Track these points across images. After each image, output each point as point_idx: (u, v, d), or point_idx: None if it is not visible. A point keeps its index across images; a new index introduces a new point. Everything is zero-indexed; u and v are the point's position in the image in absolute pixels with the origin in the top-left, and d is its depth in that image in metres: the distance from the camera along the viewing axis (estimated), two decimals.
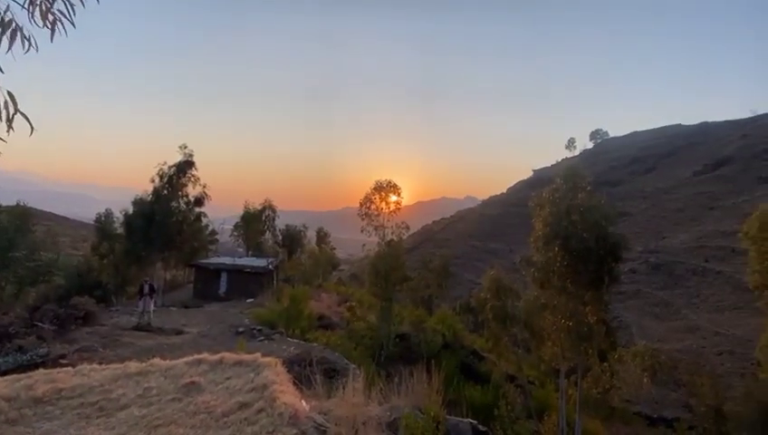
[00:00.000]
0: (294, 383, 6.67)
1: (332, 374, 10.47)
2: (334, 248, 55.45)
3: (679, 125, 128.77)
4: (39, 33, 1.87)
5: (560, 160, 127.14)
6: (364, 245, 21.26)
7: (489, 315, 15.59)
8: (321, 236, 52.17)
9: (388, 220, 20.41)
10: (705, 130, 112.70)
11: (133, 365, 6.23)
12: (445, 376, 14.81)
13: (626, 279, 49.72)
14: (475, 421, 5.64)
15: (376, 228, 20.68)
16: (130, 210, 27.86)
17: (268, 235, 43.43)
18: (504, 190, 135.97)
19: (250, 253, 40.12)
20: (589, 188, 14.98)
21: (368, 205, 20.58)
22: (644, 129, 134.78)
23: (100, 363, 6.90)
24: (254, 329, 15.66)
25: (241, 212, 42.86)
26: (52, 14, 1.83)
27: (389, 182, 20.17)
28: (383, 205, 20.48)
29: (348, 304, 25.60)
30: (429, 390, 5.88)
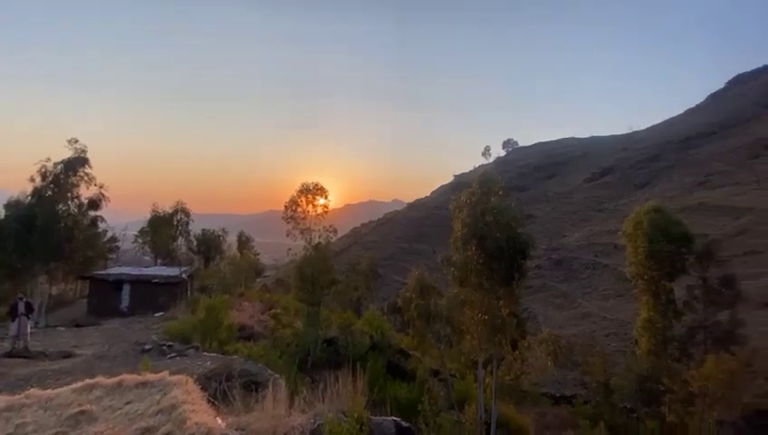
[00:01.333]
0: (209, 401, 6.17)
1: (254, 387, 9.92)
2: (258, 254, 52.78)
3: (573, 138, 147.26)
4: None
5: (477, 166, 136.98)
6: (290, 249, 20.56)
7: (414, 314, 16.17)
8: (243, 241, 49.29)
9: (315, 223, 20.04)
10: (594, 142, 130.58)
11: (2, 399, 5.20)
12: (372, 377, 14.97)
13: (533, 274, 55.10)
14: (398, 419, 5.75)
15: (302, 232, 20.17)
16: (2, 214, 23.44)
17: (181, 241, 39.73)
18: (428, 194, 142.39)
19: (159, 261, 36.32)
20: (501, 192, 16.37)
21: (293, 208, 19.97)
22: (546, 140, 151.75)
23: None
24: (164, 345, 14.17)
25: (148, 216, 38.59)
26: None
27: (316, 185, 19.82)
28: (310, 208, 20.05)
29: (272, 311, 24.52)
30: (354, 392, 5.86)
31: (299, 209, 19.48)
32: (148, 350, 13.65)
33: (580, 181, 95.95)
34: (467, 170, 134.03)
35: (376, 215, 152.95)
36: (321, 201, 20.17)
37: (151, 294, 23.77)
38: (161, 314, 21.87)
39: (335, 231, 20.39)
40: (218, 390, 7.53)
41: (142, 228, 39.07)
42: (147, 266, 30.57)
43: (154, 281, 24.74)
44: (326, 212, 19.90)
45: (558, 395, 27.73)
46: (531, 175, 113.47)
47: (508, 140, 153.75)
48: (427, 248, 79.61)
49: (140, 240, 39.03)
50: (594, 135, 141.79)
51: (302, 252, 19.89)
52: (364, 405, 5.64)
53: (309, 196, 19.38)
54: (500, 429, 14.83)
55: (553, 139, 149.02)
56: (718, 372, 15.80)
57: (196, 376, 9.30)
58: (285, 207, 19.85)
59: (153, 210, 38.34)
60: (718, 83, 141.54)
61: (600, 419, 17.76)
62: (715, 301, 21.81)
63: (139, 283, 24.59)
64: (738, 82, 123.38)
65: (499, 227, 15.02)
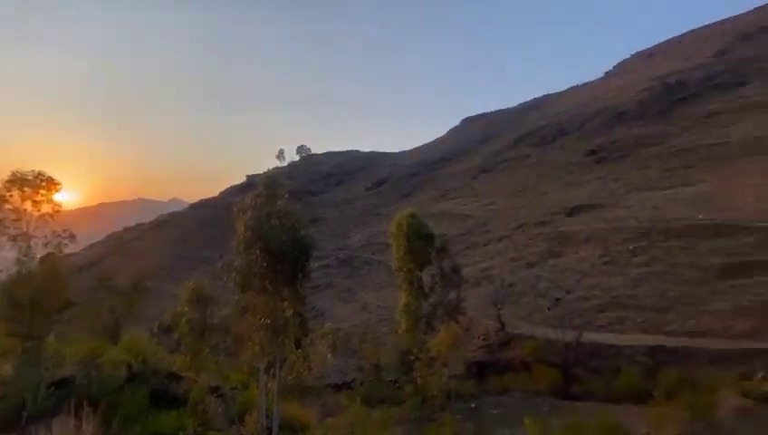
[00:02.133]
0: None
1: None
2: None
3: (358, 151, 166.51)
4: None
5: (271, 168, 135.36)
6: None
7: (186, 329, 14.22)
8: None
9: (38, 227, 14.80)
10: (373, 156, 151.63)
11: None
12: (127, 413, 12.22)
13: (321, 273, 58.57)
14: None
15: (14, 239, 14.52)
16: None
17: None
18: (217, 194, 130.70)
19: None
20: (286, 195, 16.53)
21: None
22: (336, 149, 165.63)
23: None
24: None
25: None
26: None
27: (39, 174, 14.58)
28: (28, 205, 14.62)
29: None
30: None
31: (7, 207, 13.92)
32: None
33: (362, 189, 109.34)
34: (261, 172, 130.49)
35: (148, 216, 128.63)
36: (57, 197, 15.08)
37: None
38: None
39: (72, 236, 15.57)
40: None
41: None
42: None
43: None
44: (57, 212, 14.97)
45: (340, 383, 30.30)
46: (322, 181, 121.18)
47: (301, 145, 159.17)
48: (213, 254, 72.50)
49: None
50: (374, 150, 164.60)
51: (13, 268, 14.30)
52: None
53: (25, 188, 14.10)
54: (284, 430, 14.82)
55: (342, 149, 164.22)
56: (448, 337, 20.86)
57: None
58: None
59: None
60: (455, 121, 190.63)
61: (370, 396, 20.39)
62: (448, 284, 28.92)
63: None
64: (468, 121, 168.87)
65: (284, 229, 15.09)
